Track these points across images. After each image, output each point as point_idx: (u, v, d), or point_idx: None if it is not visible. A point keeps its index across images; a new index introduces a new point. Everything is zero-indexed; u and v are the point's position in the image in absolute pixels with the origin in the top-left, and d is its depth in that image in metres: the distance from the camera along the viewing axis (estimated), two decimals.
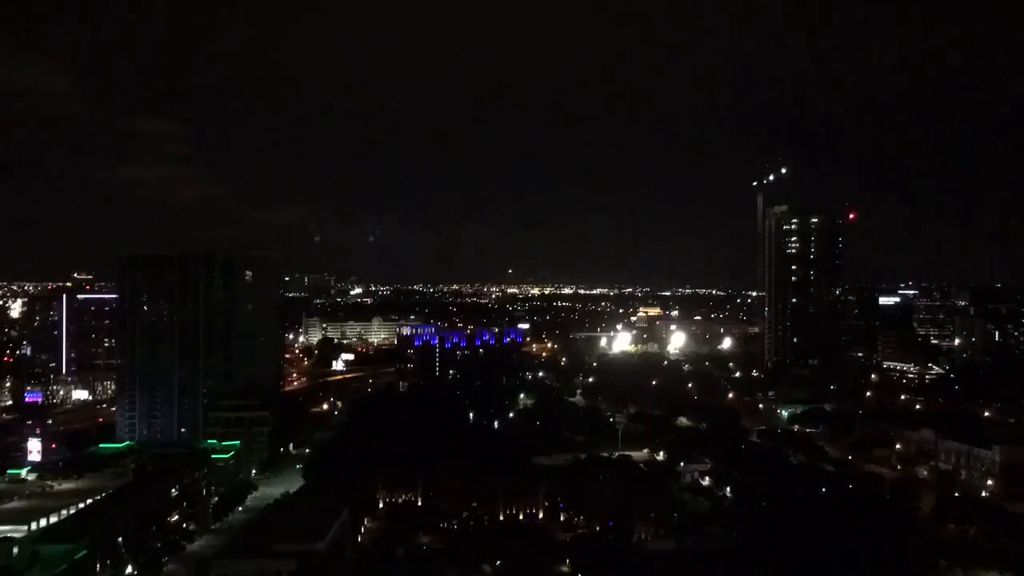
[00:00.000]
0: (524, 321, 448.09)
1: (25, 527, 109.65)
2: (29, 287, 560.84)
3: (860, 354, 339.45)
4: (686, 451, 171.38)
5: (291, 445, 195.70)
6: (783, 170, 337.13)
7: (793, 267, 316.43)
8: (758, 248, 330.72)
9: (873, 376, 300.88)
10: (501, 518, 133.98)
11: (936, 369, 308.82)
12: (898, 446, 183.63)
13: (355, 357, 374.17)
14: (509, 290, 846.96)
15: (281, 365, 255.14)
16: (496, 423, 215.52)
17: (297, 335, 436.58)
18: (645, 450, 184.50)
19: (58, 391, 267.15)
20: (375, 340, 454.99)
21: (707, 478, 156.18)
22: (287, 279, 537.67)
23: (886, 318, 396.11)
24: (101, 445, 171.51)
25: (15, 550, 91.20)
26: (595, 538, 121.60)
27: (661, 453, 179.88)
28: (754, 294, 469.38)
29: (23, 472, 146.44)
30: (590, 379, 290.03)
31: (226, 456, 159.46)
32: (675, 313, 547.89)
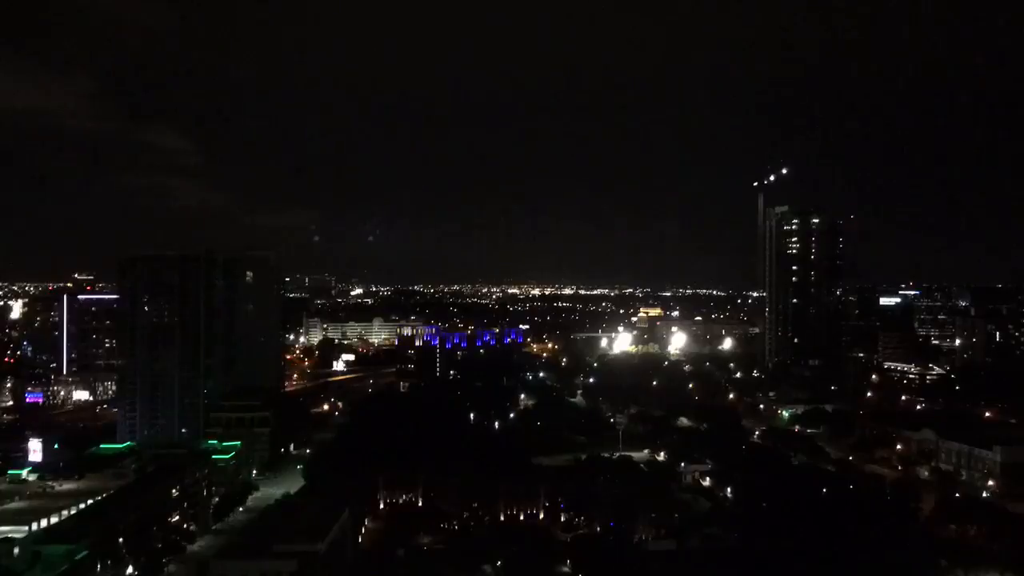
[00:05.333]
0: (524, 321, 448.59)
1: (26, 527, 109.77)
2: (30, 287, 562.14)
3: (861, 354, 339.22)
4: (687, 452, 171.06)
5: (292, 445, 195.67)
6: (784, 170, 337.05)
7: (793, 267, 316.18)
8: (758, 249, 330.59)
9: (874, 376, 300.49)
10: (502, 518, 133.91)
11: (937, 369, 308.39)
12: (899, 446, 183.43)
13: (356, 358, 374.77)
14: (509, 290, 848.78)
15: (282, 366, 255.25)
16: (497, 423, 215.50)
17: (298, 336, 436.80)
18: (646, 451, 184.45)
19: (59, 391, 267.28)
20: (376, 341, 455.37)
21: (708, 479, 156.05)
22: (288, 280, 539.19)
23: (887, 318, 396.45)
24: (102, 446, 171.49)
25: (16, 551, 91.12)
26: (596, 538, 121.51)
27: (662, 454, 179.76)
28: (754, 294, 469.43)
29: (24, 473, 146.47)
30: (591, 379, 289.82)
31: (227, 457, 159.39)
32: (676, 313, 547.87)
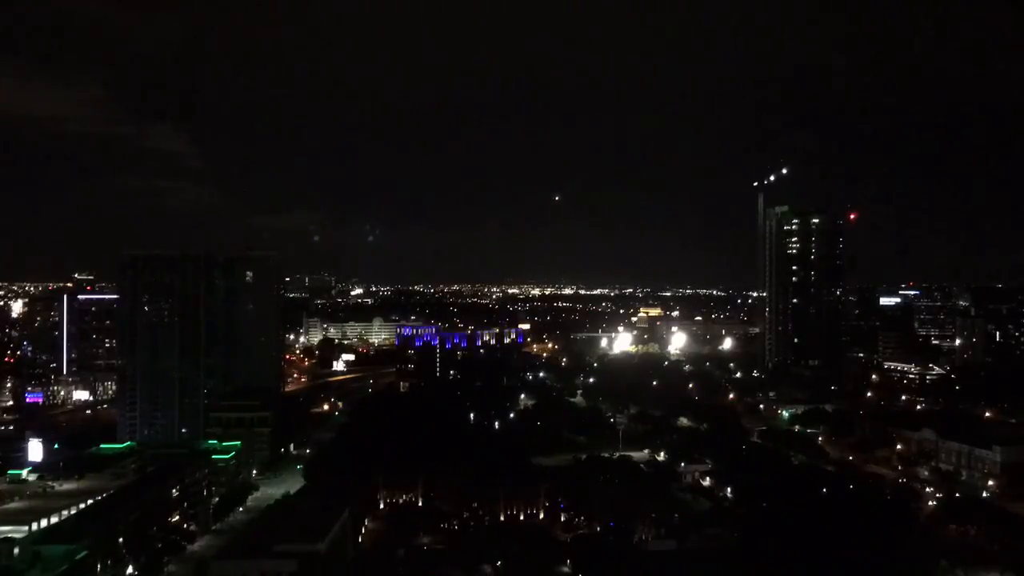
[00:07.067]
0: (525, 321, 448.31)
1: (26, 527, 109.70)
2: (30, 287, 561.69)
3: (861, 354, 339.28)
4: (687, 451, 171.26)
5: (292, 445, 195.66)
6: (784, 170, 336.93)
7: (793, 267, 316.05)
8: (758, 248, 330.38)
9: (874, 376, 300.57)
10: (502, 518, 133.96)
11: (937, 369, 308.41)
12: (899, 446, 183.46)
13: (356, 358, 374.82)
14: (510, 290, 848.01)
15: (282, 365, 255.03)
16: (497, 423, 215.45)
17: (298, 335, 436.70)
18: (646, 450, 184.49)
19: (59, 391, 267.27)
20: (376, 341, 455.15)
21: (708, 478, 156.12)
22: (288, 279, 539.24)
23: (887, 318, 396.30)
24: (102, 445, 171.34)
25: (16, 550, 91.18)
26: (596, 538, 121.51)
27: (662, 453, 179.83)
28: (754, 294, 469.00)
29: (24, 472, 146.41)
30: (591, 379, 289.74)
31: (227, 456, 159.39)
32: (676, 313, 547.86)
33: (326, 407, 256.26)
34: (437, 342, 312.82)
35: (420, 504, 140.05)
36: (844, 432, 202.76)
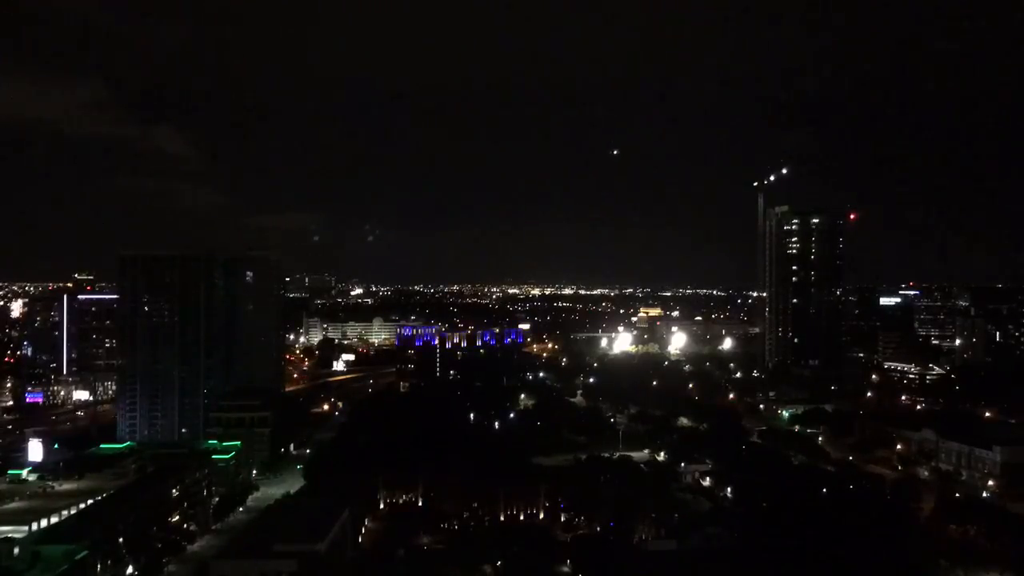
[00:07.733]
0: (525, 322, 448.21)
1: (26, 527, 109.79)
2: (30, 287, 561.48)
3: (861, 354, 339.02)
4: (687, 452, 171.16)
5: (292, 446, 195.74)
6: (784, 170, 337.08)
7: (794, 267, 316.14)
8: (759, 248, 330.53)
9: (874, 376, 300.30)
10: (502, 519, 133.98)
11: (937, 369, 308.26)
12: (899, 446, 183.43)
13: (356, 358, 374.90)
14: (510, 291, 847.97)
15: (282, 365, 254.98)
16: (497, 424, 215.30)
17: (298, 336, 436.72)
18: (646, 451, 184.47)
19: (59, 391, 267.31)
20: (376, 341, 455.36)
21: (708, 478, 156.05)
22: (288, 280, 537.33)
23: (887, 318, 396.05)
24: (102, 446, 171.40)
25: (16, 550, 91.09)
26: (596, 538, 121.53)
27: (662, 454, 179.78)
28: (754, 294, 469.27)
29: (24, 472, 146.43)
30: (591, 380, 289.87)
31: (227, 457, 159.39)
32: (676, 313, 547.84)
33: (326, 407, 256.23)
34: (437, 342, 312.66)
35: (420, 504, 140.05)
36: (844, 432, 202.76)
